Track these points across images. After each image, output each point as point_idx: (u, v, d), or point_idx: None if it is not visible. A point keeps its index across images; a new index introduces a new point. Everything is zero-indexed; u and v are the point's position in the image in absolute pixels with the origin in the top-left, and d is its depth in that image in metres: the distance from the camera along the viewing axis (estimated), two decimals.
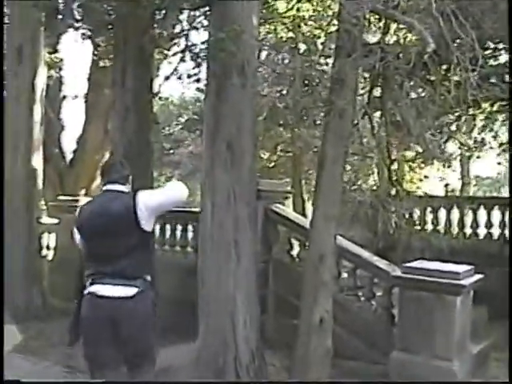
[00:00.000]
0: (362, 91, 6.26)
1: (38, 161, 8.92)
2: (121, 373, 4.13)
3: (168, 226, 8.81)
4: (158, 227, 8.24)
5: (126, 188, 4.31)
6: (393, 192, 6.31)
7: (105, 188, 4.28)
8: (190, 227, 8.59)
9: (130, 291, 3.98)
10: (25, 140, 8.67)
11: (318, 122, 20.00)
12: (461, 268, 6.22)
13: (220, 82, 5.74)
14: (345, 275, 7.07)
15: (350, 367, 6.35)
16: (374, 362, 6.48)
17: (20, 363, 6.76)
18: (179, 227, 8.70)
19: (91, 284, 4.05)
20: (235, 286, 5.71)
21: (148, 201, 4.08)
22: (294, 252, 7.56)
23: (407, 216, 9.13)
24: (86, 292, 4.07)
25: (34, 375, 6.36)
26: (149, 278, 4.22)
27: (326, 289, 5.65)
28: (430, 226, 10.56)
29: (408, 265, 6.40)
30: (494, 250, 9.54)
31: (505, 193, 28.70)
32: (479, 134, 12.37)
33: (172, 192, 4.25)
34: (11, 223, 8.59)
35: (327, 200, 5.65)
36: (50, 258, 9.90)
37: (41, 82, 9.02)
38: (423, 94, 6.06)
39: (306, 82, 18.45)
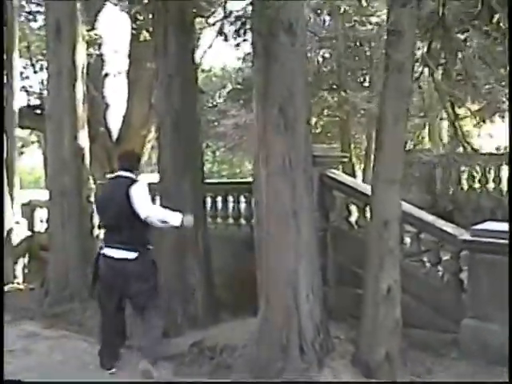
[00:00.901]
0: (420, 43, 5.78)
1: (84, 139, 8.75)
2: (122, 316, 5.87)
3: (219, 198, 8.58)
4: (208, 200, 8.00)
5: (133, 174, 5.63)
6: (459, 150, 5.87)
7: (117, 173, 5.73)
8: (242, 198, 8.34)
9: (132, 255, 5.46)
10: (69, 118, 8.48)
11: (366, 83, 19.56)
12: None
13: (267, 41, 5.39)
14: (407, 240, 6.73)
15: (419, 337, 6.06)
16: (444, 331, 6.17)
17: (79, 344, 6.70)
18: (230, 199, 8.46)
19: (104, 247, 5.61)
20: (296, 257, 5.43)
21: (137, 203, 5.40)
22: (353, 219, 7.23)
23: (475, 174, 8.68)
24: (101, 252, 5.64)
25: (91, 355, 6.27)
26: (149, 245, 5.66)
27: (392, 256, 5.32)
28: (494, 185, 9.95)
29: (477, 227, 6.04)
30: None
31: None
32: None
33: (160, 215, 5.64)
34: (61, 203, 8.50)
35: (389, 162, 5.29)
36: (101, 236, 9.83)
37: (81, 59, 8.80)
38: (487, 43, 5.56)
39: (350, 43, 17.97)
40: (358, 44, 18.49)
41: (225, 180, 19.66)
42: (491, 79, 5.30)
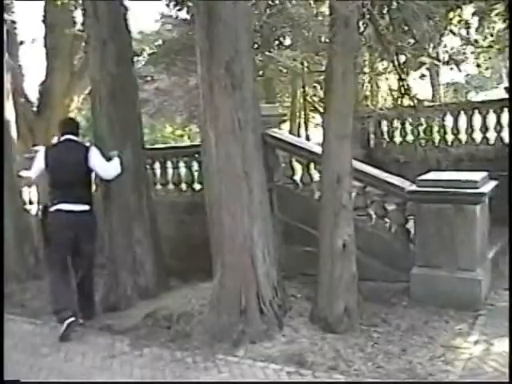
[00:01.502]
0: None
1: (9, 111, 8.28)
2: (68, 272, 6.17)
3: (157, 165, 8.35)
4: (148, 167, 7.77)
5: (78, 139, 6.34)
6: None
7: (64, 137, 6.28)
8: (181, 163, 8.15)
9: (87, 207, 6.10)
10: None
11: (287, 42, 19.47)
12: (477, 176, 5.99)
13: (210, 1, 5.20)
14: (353, 195, 6.79)
15: (371, 288, 6.17)
16: (395, 281, 6.31)
17: (26, 327, 6.42)
18: (169, 164, 8.26)
19: (57, 203, 6.04)
20: (250, 219, 5.36)
21: (97, 165, 6.16)
22: (297, 177, 7.21)
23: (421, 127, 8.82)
24: (52, 209, 6.08)
25: (40, 337, 6.05)
26: (93, 201, 6.28)
27: (346, 212, 5.34)
28: (439, 136, 10.15)
29: (422, 177, 6.15)
30: (491, 154, 9.30)
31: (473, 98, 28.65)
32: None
33: (110, 171, 6.31)
34: None
35: (339, 118, 5.26)
36: (33, 213, 9.43)
37: None
38: None
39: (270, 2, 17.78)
40: (277, 2, 18.32)
41: (163, 145, 19.23)
42: (431, 31, 5.32)
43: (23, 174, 8.75)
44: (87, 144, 6.38)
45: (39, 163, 6.27)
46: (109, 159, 6.36)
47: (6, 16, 11.63)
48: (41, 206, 6.71)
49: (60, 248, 6.12)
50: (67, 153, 6.19)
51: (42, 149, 6.49)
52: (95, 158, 6.15)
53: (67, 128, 6.36)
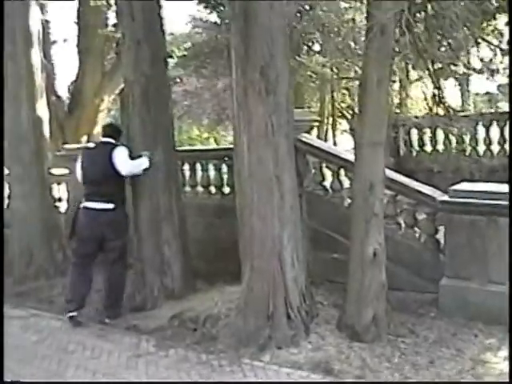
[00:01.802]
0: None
1: (42, 109, 8.38)
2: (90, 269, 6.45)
3: (187, 167, 8.37)
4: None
5: (114, 141, 6.53)
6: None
7: (101, 140, 6.73)
8: (210, 166, 8.16)
9: (109, 206, 6.26)
10: (26, 86, 8.10)
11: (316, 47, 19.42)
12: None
13: (246, 3, 5.20)
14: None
15: (399, 298, 6.10)
16: (423, 291, 6.25)
17: (54, 323, 6.47)
18: (199, 167, 8.27)
19: (85, 201, 6.39)
20: (280, 224, 5.34)
21: (119, 162, 6.29)
22: (327, 183, 7.18)
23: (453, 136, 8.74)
24: (81, 207, 6.44)
25: (67, 334, 6.09)
26: (124, 200, 6.48)
27: (377, 220, 5.30)
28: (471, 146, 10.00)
29: (455, 188, 6.07)
30: None
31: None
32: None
33: (128, 167, 6.38)
34: (22, 177, 8.16)
35: (373, 125, 5.22)
36: (62, 210, 9.52)
37: (35, 22, 8.38)
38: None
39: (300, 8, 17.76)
40: (308, 8, 18.30)
41: (192, 147, 19.31)
42: (469, 42, 5.27)
43: (54, 171, 8.86)
44: (118, 144, 6.55)
45: (78, 164, 6.65)
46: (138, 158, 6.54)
47: (40, 16, 11.77)
48: (76, 203, 6.90)
49: (84, 244, 6.41)
50: (97, 153, 6.51)
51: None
52: (117, 155, 6.31)
53: (105, 131, 6.74)
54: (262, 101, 5.22)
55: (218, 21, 18.99)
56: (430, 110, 6.62)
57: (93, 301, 6.70)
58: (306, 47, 18.76)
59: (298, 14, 17.69)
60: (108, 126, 7.06)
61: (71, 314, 6.30)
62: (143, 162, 6.52)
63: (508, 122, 9.51)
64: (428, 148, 10.46)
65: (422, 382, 4.46)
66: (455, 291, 5.86)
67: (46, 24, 13.83)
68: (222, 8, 16.05)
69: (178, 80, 25.27)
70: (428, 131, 10.30)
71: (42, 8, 13.55)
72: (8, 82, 8.09)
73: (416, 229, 6.63)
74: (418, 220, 6.62)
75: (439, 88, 5.93)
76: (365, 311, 5.31)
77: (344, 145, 18.80)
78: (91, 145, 7.26)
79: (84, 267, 6.43)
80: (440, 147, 10.19)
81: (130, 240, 6.65)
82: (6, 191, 9.45)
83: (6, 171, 8.51)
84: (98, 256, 6.48)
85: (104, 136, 6.69)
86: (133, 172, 6.46)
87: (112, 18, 14.53)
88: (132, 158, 6.47)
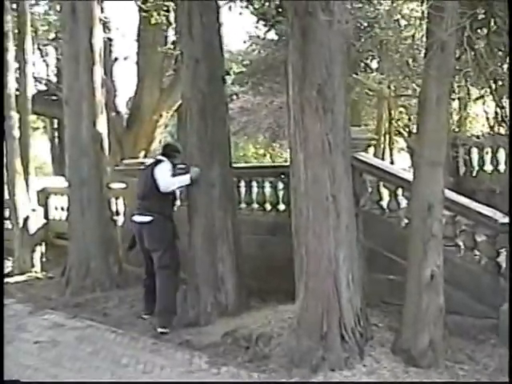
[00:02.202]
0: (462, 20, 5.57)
1: (102, 125, 8.59)
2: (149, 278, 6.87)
3: (243, 183, 8.39)
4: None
5: (166, 159, 6.83)
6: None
7: (157, 158, 7.05)
8: (266, 183, 8.16)
9: (147, 218, 6.63)
10: (87, 104, 8.31)
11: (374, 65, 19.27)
12: None
13: (304, 20, 5.19)
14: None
15: (457, 323, 5.90)
16: (482, 317, 6.03)
17: (108, 335, 6.55)
18: (255, 184, 8.28)
19: (133, 215, 6.94)
20: (336, 243, 5.27)
21: (158, 179, 6.63)
22: (384, 202, 7.05)
23: None
24: (132, 218, 6.99)
25: (121, 347, 6.15)
26: (164, 212, 6.72)
27: (435, 242, 5.16)
28: None
29: None
30: None
31: None
32: None
33: (167, 183, 6.63)
34: (80, 191, 8.35)
35: (433, 144, 5.10)
36: (119, 224, 9.70)
37: (98, 41, 8.62)
38: None
39: (358, 24, 17.68)
40: (365, 25, 18.21)
41: (249, 164, 19.46)
42: None
43: (112, 185, 9.04)
44: (163, 160, 6.86)
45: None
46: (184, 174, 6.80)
47: (103, 34, 12.10)
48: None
49: (140, 254, 6.99)
50: (146, 169, 6.93)
51: None
52: (158, 171, 6.65)
53: (163, 150, 7.12)
54: (319, 119, 5.18)
55: (276, 38, 19.15)
56: (492, 128, 6.46)
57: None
58: (363, 64, 18.68)
59: (357, 32, 17.64)
60: (166, 146, 7.36)
61: (145, 316, 6.94)
62: (184, 180, 6.70)
63: None
64: (489, 168, 10.18)
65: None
66: None
67: (108, 41, 14.21)
68: (279, 25, 16.17)
69: (235, 97, 25.51)
70: (489, 150, 10.02)
71: (105, 26, 13.95)
72: (70, 98, 8.32)
73: (476, 251, 6.43)
74: (477, 242, 6.42)
75: (502, 107, 5.77)
76: (421, 335, 5.16)
77: (401, 163, 18.55)
78: (148, 162, 7.53)
79: (148, 277, 6.93)
80: (501, 167, 9.90)
81: (178, 252, 6.83)
82: (59, 202, 9.75)
83: (65, 184, 8.72)
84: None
85: (161, 154, 7.03)
86: (170, 188, 6.64)
87: (171, 36, 14.84)
88: (179, 174, 6.76)
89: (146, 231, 6.67)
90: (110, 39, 15.22)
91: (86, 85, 8.27)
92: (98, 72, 8.47)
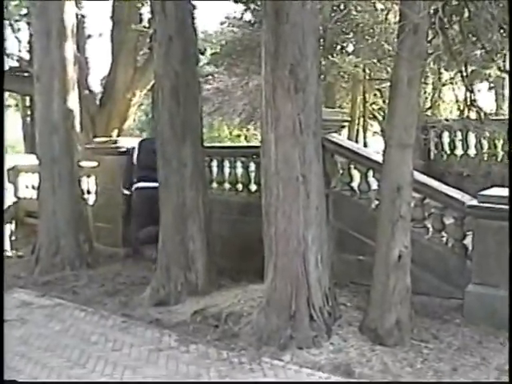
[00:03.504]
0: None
1: (74, 102, 8.47)
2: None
3: (215, 163, 8.38)
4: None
5: None
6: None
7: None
8: (238, 163, 8.15)
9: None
10: (59, 79, 8.18)
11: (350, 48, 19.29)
12: None
13: (278, 1, 5.18)
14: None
15: (423, 303, 6.02)
16: (448, 297, 6.15)
17: (78, 314, 6.53)
18: (227, 164, 8.27)
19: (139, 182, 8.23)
20: (306, 224, 5.31)
21: None
22: (355, 184, 7.10)
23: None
24: (137, 186, 8.29)
25: (90, 325, 6.14)
26: None
27: (403, 223, 5.23)
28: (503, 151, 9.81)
29: (484, 193, 5.95)
30: None
31: None
32: None
33: None
34: (51, 168, 8.25)
35: (402, 127, 5.14)
36: (90, 202, 9.62)
37: (70, 16, 8.47)
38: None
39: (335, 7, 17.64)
40: (342, 8, 18.17)
41: (221, 144, 19.41)
42: (505, 44, 5.14)
43: (83, 163, 8.95)
44: None
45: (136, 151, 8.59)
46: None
47: (75, 10, 11.90)
48: None
49: (141, 214, 8.42)
50: (150, 144, 7.96)
51: None
52: None
53: None
54: (290, 99, 5.19)
55: (252, 19, 19.04)
56: (462, 112, 6.51)
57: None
58: (339, 47, 18.68)
59: (332, 14, 17.61)
60: None
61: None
62: None
63: None
64: (459, 152, 10.30)
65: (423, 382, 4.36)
66: (482, 298, 5.74)
67: (81, 18, 14.00)
68: (256, 6, 16.07)
69: (210, 77, 25.34)
70: (459, 134, 10.13)
71: (78, 2, 13.70)
72: (41, 75, 8.19)
73: (443, 233, 6.53)
74: (445, 224, 6.51)
75: (471, 91, 5.82)
76: (388, 315, 5.24)
77: (375, 146, 18.66)
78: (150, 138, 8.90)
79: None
80: (471, 151, 10.02)
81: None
82: (30, 180, 9.64)
83: (36, 161, 8.61)
84: None
85: None
86: None
87: (146, 14, 14.66)
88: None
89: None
90: (83, 16, 14.97)
91: (57, 61, 8.13)
92: (70, 48, 8.34)
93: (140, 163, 8.19)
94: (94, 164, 9.49)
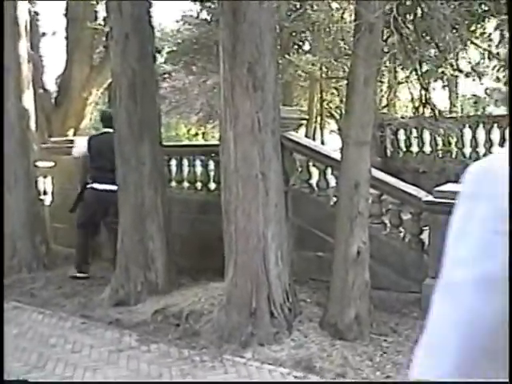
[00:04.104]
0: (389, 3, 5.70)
1: (29, 101, 8.31)
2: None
3: (173, 162, 8.35)
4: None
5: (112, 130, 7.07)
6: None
7: (104, 130, 7.76)
8: (197, 162, 8.14)
9: (115, 187, 6.85)
10: (13, 77, 8.02)
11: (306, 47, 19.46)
12: None
13: (235, 1, 5.19)
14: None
15: (382, 297, 6.12)
16: (406, 291, 6.27)
17: (35, 317, 6.43)
18: (185, 162, 8.24)
19: (93, 182, 7.59)
20: (265, 221, 5.34)
21: None
22: (313, 181, 7.18)
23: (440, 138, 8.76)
24: (89, 186, 7.64)
25: (49, 327, 6.06)
26: None
27: (361, 219, 5.31)
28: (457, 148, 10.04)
29: (440, 188, 6.10)
30: None
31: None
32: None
33: None
34: (7, 169, 8.09)
35: (359, 125, 5.22)
36: (47, 203, 9.48)
37: (23, 14, 8.31)
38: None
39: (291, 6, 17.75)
40: (298, 7, 18.30)
41: (180, 143, 19.32)
42: (457, 44, 5.29)
43: (39, 164, 8.81)
44: None
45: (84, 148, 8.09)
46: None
47: (29, 7, 11.68)
48: None
49: (90, 217, 7.90)
50: (106, 143, 7.42)
51: None
52: None
53: (107, 121, 7.52)
54: (248, 97, 5.21)
55: (209, 18, 19.01)
56: (417, 110, 6.64)
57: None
58: (295, 46, 18.82)
59: (289, 13, 17.72)
60: (109, 115, 7.51)
61: (84, 275, 7.67)
62: None
63: (495, 125, 9.57)
64: (414, 149, 10.50)
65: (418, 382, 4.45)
66: None
67: (34, 16, 13.75)
68: (212, 4, 16.06)
69: (167, 76, 25.19)
70: (414, 132, 10.34)
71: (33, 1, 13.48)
72: None
73: (401, 229, 6.66)
74: (403, 220, 6.64)
75: (426, 89, 5.95)
76: (348, 310, 5.32)
77: (332, 144, 18.85)
78: (98, 134, 8.32)
79: (90, 236, 7.97)
80: (426, 148, 10.24)
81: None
82: None
83: None
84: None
85: (106, 126, 7.61)
86: None
87: (101, 12, 14.46)
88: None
89: (113, 199, 6.92)
90: (36, 13, 14.70)
91: (11, 59, 7.96)
92: (24, 46, 8.18)
93: (92, 163, 7.71)
94: (51, 164, 9.34)
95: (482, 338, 0.90)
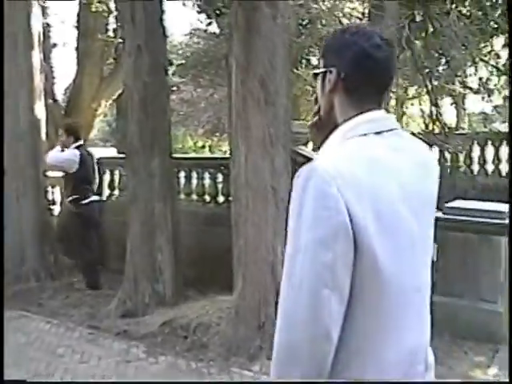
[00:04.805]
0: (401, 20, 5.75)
1: (40, 111, 8.37)
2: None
3: (182, 174, 8.38)
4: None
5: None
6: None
7: (80, 143, 7.72)
8: (206, 175, 8.17)
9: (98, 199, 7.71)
10: (25, 87, 8.09)
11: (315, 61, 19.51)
12: (504, 207, 5.92)
13: (249, 13, 5.24)
14: None
15: None
16: None
17: (43, 326, 6.44)
18: (194, 175, 8.28)
19: (88, 196, 7.59)
20: (275, 234, 5.34)
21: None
22: None
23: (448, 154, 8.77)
24: (87, 200, 7.58)
25: (57, 337, 6.06)
26: None
27: None
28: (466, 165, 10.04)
29: (449, 205, 6.10)
30: None
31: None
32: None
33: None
34: (17, 178, 8.13)
35: None
36: (55, 213, 9.51)
37: (36, 25, 8.39)
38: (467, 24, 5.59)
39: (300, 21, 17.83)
40: (307, 21, 18.38)
41: (189, 155, 19.39)
42: (467, 61, 5.31)
43: (49, 173, 8.85)
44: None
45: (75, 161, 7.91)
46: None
47: (41, 19, 11.78)
48: None
49: (89, 229, 7.91)
50: (87, 156, 7.84)
51: None
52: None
53: (79, 133, 7.92)
54: (260, 111, 5.24)
55: (218, 31, 19.11)
56: (427, 127, 6.66)
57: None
58: (304, 60, 18.89)
59: (299, 28, 17.80)
60: (75, 128, 7.94)
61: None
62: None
63: (504, 142, 9.57)
64: None
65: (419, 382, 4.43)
66: (446, 308, 5.84)
67: (46, 27, 13.85)
68: (221, 19, 16.14)
69: (175, 88, 25.30)
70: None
71: (44, 11, 13.57)
72: (8, 83, 8.08)
73: None
74: None
75: (436, 105, 5.97)
76: None
77: None
78: (76, 146, 7.85)
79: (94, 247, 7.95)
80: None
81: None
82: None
83: None
84: None
85: (79, 139, 7.72)
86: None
87: (112, 23, 14.59)
88: None
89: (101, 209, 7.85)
90: (48, 25, 14.80)
91: (24, 69, 8.04)
92: (37, 57, 8.26)
93: (81, 176, 7.55)
94: (60, 174, 9.38)
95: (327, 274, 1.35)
